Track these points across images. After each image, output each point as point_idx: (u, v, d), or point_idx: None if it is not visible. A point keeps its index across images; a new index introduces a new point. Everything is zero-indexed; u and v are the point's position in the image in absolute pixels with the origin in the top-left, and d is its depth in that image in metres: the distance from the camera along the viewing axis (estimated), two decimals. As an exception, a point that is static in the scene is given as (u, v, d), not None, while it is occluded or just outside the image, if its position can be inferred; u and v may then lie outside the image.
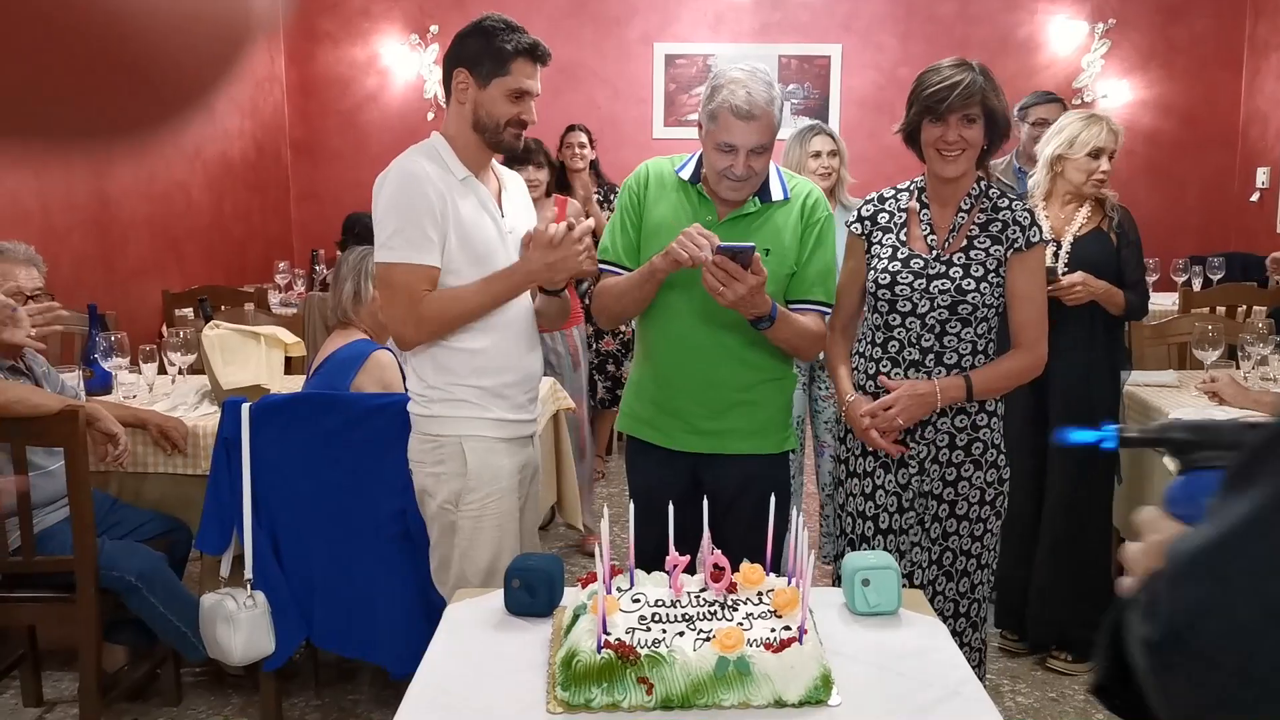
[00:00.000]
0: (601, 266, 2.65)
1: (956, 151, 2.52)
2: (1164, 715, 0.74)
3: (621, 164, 6.38)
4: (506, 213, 2.57)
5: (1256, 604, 0.66)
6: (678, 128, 7.53)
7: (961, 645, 2.56)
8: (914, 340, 2.61)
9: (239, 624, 2.79)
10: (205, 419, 3.28)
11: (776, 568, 1.97)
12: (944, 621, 2.05)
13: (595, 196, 5.56)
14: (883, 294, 2.63)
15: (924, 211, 2.65)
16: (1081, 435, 1.26)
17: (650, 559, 1.92)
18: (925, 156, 2.60)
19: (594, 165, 5.67)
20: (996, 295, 2.58)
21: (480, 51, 2.46)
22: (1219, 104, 7.25)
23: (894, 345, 2.64)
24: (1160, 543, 0.89)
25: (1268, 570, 0.66)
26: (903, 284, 2.60)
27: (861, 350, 2.72)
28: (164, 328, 5.28)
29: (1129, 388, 3.61)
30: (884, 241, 2.66)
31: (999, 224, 2.59)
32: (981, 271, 2.56)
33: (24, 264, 3.13)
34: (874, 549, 2.58)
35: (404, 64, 7.54)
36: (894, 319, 2.63)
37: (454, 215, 2.45)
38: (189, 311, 5.22)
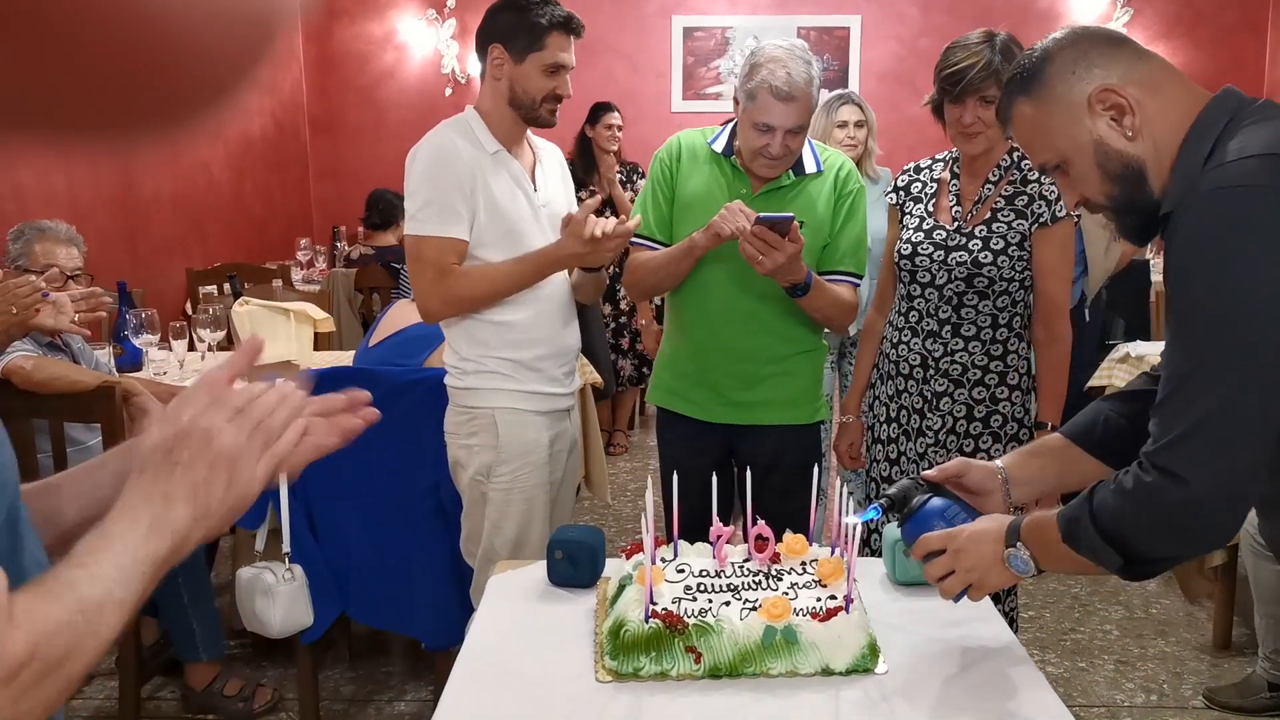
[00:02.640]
0: (634, 240, 2.65)
1: (975, 132, 2.51)
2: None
3: (641, 138, 6.37)
4: (540, 186, 2.57)
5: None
6: (696, 101, 7.50)
7: (1003, 614, 2.56)
8: (932, 311, 2.61)
9: (278, 597, 2.81)
10: (237, 395, 3.29)
11: (809, 537, 1.98)
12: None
13: (619, 177, 5.55)
14: (904, 264, 2.63)
15: (953, 183, 2.64)
16: (866, 515, 1.75)
17: (685, 530, 1.93)
18: (949, 134, 2.60)
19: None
20: (1018, 269, 2.55)
21: (514, 26, 2.44)
22: (1243, 73, 7.18)
23: (914, 315, 2.64)
24: (958, 543, 1.59)
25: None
26: (923, 255, 2.60)
27: (891, 319, 2.73)
28: (188, 305, 5.32)
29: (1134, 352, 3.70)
30: (914, 212, 2.67)
31: (1025, 197, 2.57)
32: (1001, 245, 2.54)
33: (65, 243, 3.15)
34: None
35: (421, 39, 7.52)
36: (915, 289, 2.63)
37: (484, 190, 2.45)
38: (213, 289, 5.25)
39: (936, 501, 1.71)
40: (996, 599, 2.66)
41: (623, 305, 5.58)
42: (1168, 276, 1.40)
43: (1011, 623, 2.75)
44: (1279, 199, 1.27)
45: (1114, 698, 3.19)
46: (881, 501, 1.77)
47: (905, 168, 2.77)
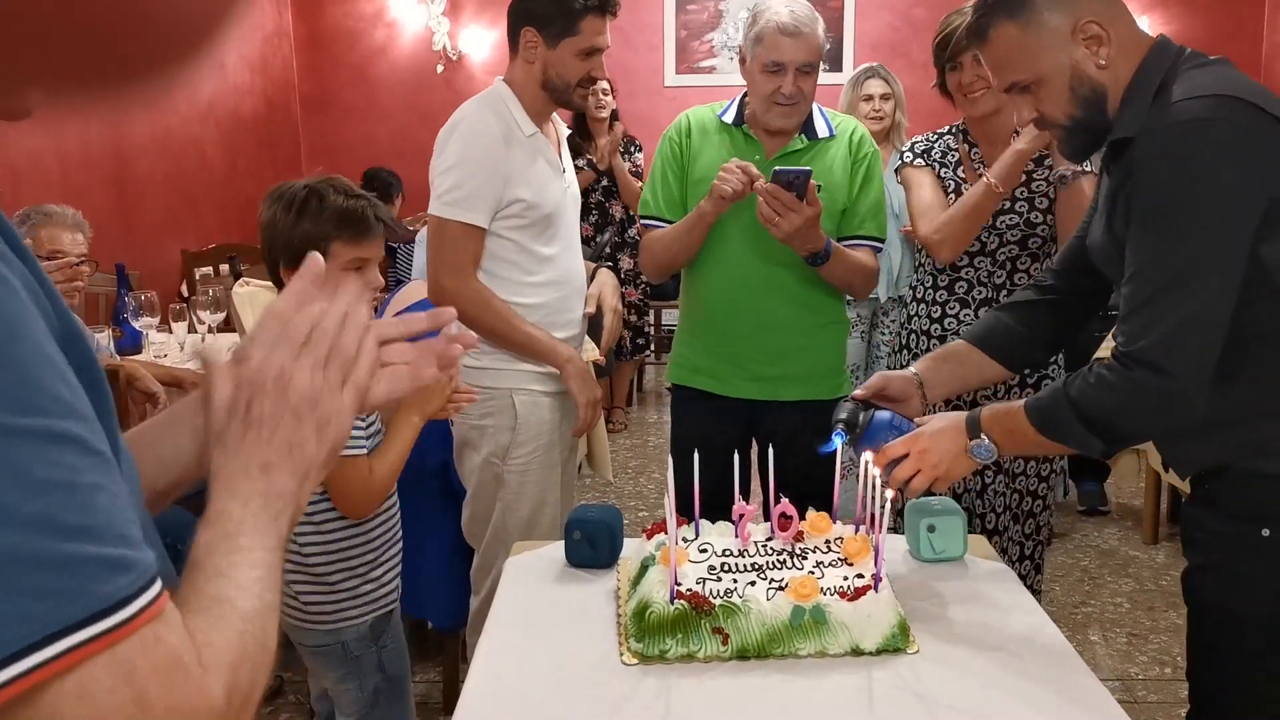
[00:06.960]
0: (644, 221, 2.62)
1: (979, 91, 2.51)
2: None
3: (634, 112, 6.32)
4: (565, 166, 2.55)
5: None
6: (690, 75, 7.44)
7: (1030, 589, 2.55)
8: (984, 279, 2.59)
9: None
10: (239, 377, 3.26)
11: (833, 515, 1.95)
12: (1011, 566, 2.04)
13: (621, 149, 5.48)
14: None
15: (974, 151, 2.62)
16: (830, 446, 1.85)
17: (701, 510, 1.90)
18: (957, 104, 2.61)
19: (613, 115, 5.59)
20: None
21: (549, 10, 2.39)
22: (1240, 38, 7.12)
23: (962, 286, 2.62)
24: (921, 444, 1.76)
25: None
26: None
27: (921, 296, 2.70)
28: (184, 286, 5.27)
29: None
30: (946, 177, 2.65)
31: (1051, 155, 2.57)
32: (1046, 203, 2.55)
33: (70, 228, 3.11)
34: (937, 494, 2.58)
35: (411, 16, 7.43)
36: (961, 259, 2.61)
37: (522, 178, 2.41)
38: (209, 270, 5.20)
39: (882, 414, 1.87)
40: (1023, 578, 2.64)
41: (622, 274, 5.52)
42: (1133, 193, 1.55)
43: (1037, 595, 2.74)
44: (1231, 130, 1.47)
45: (1128, 670, 3.18)
46: (838, 428, 1.87)
47: (913, 140, 2.75)
